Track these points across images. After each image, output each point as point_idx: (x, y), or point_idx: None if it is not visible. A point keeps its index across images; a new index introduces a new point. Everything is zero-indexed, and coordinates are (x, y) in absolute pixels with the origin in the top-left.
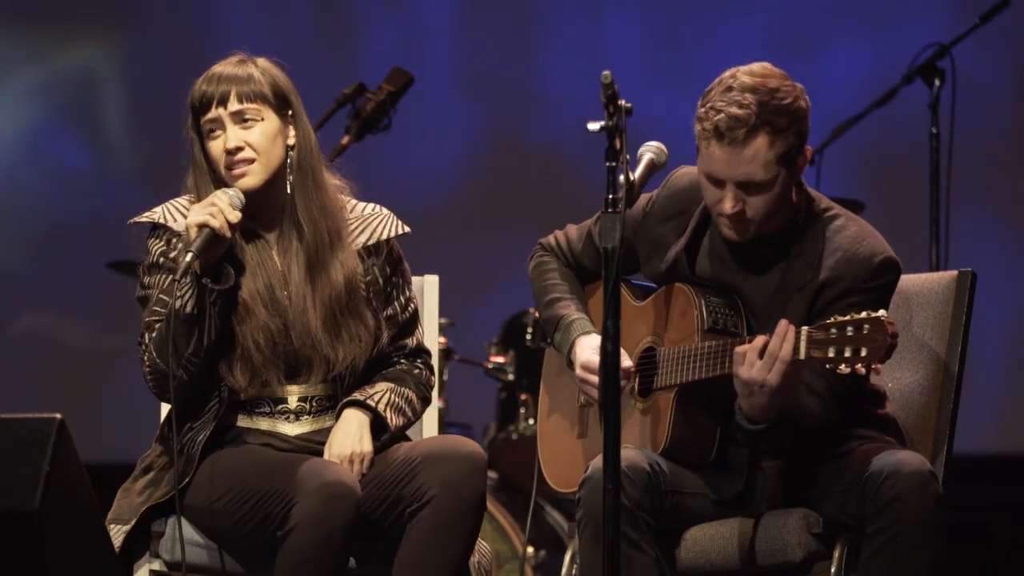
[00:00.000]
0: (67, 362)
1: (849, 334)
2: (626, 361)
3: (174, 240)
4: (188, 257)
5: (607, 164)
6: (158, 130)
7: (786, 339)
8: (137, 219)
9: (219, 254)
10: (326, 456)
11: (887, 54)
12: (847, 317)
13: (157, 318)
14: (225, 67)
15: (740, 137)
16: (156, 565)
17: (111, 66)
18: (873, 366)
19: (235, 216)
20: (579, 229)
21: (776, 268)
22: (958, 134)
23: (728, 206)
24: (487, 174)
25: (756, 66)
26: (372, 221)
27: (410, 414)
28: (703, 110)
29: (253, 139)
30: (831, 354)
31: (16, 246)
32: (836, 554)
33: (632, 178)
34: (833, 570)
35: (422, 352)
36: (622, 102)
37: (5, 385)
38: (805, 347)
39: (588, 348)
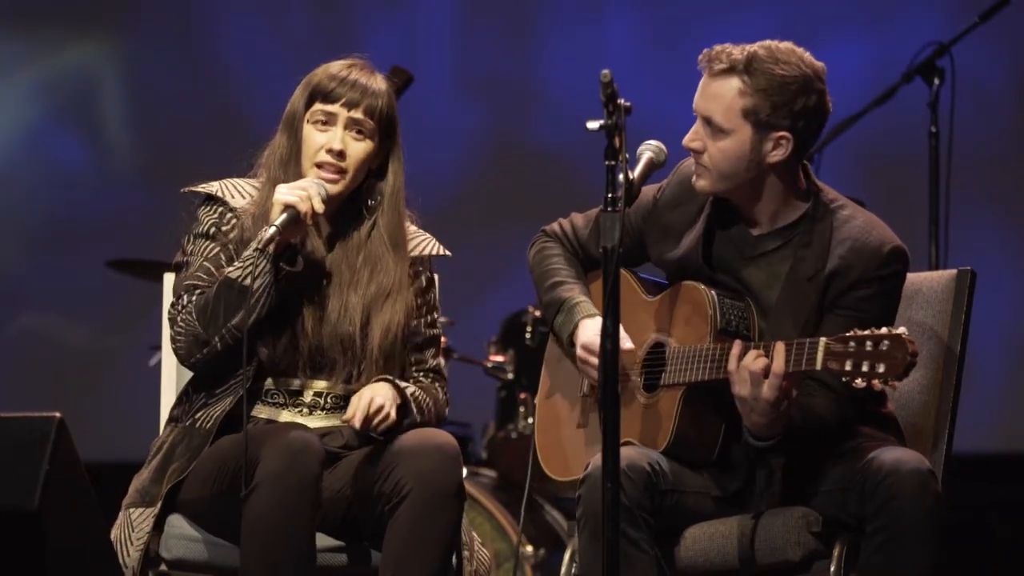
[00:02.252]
0: (67, 361)
1: (868, 349)
2: (627, 343)
3: (228, 215)
4: (271, 231)
5: (606, 163)
6: (158, 130)
7: (775, 353)
8: (192, 188)
9: (294, 238)
10: (351, 406)
11: (886, 53)
12: (867, 332)
13: (202, 283)
14: (358, 75)
15: (715, 70)
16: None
17: (111, 66)
18: (890, 383)
19: (321, 207)
20: (585, 216)
21: (786, 259)
22: (957, 133)
23: (688, 136)
24: (487, 174)
25: (789, 44)
26: (417, 236)
27: (427, 420)
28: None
29: (354, 153)
30: (848, 367)
31: (16, 246)
32: (836, 553)
33: (631, 177)
34: (833, 569)
35: (441, 376)
36: (621, 101)
37: (5, 384)
38: (822, 358)
39: (591, 330)
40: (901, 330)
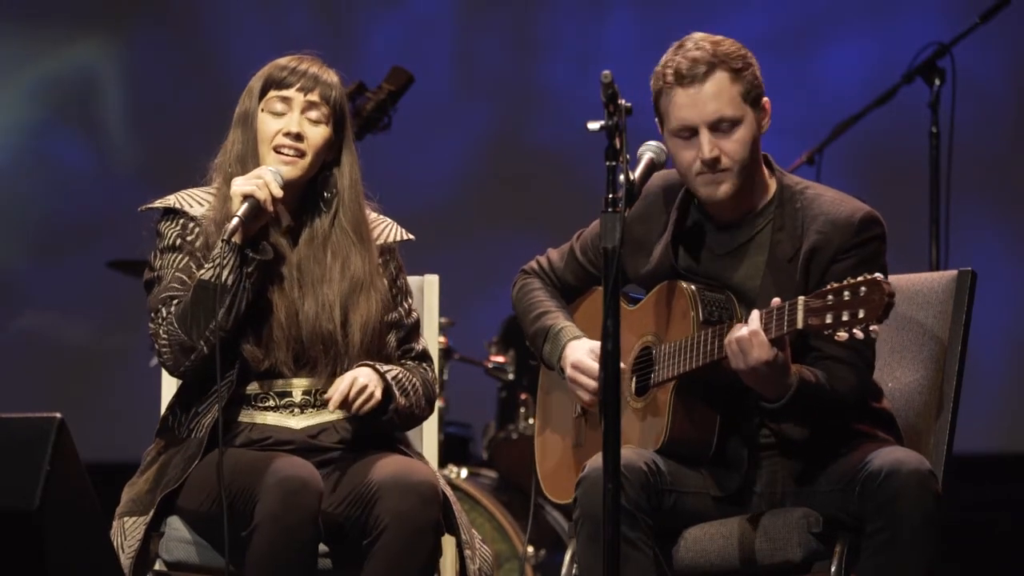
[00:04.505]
0: (67, 361)
1: (846, 298)
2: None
3: (191, 224)
4: (235, 222)
5: (607, 163)
6: (158, 130)
7: (751, 318)
8: (149, 205)
9: (257, 227)
10: (331, 387)
11: (887, 53)
12: (844, 283)
13: (177, 293)
14: (310, 65)
15: (700, 74)
16: (156, 564)
17: (111, 66)
18: (871, 328)
19: (279, 192)
20: (560, 251)
21: (762, 247)
22: (958, 133)
23: (707, 149)
24: (487, 174)
25: (704, 34)
26: (379, 224)
27: (414, 401)
28: (660, 68)
29: (312, 136)
30: (828, 320)
31: (16, 245)
32: (836, 553)
33: (632, 177)
34: (833, 569)
35: (428, 358)
36: (622, 101)
37: (5, 384)
38: (802, 316)
39: (580, 349)
40: (876, 274)
